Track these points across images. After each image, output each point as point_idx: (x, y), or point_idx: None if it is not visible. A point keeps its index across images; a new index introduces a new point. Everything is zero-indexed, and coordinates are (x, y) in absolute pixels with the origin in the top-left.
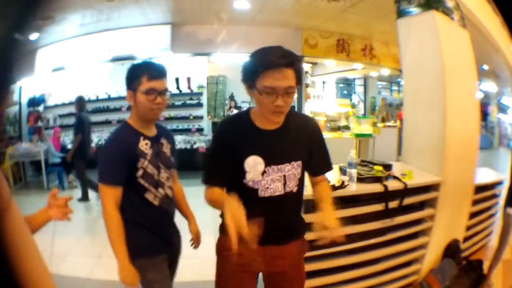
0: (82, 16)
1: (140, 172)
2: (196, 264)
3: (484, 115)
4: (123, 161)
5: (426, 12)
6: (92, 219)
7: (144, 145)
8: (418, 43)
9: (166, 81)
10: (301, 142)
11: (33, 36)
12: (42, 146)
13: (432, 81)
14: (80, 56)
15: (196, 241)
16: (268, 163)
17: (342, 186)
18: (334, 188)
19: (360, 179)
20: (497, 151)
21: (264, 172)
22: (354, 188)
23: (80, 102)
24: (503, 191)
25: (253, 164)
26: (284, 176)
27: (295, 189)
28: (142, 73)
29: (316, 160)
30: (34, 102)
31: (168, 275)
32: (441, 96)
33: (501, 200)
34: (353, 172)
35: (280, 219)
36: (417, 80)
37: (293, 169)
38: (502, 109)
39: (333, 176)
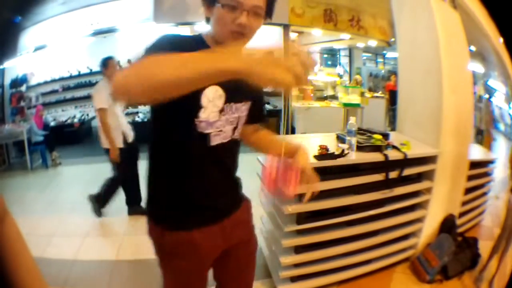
0: None
1: None
2: None
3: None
4: None
5: None
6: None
7: None
8: (411, 14)
9: None
10: None
11: (16, 19)
12: (25, 125)
13: (427, 52)
14: (62, 33)
15: None
16: (228, 99)
17: (342, 154)
18: (334, 156)
19: (360, 148)
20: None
21: (221, 110)
22: (354, 157)
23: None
24: (495, 171)
25: (213, 98)
26: (238, 118)
27: (238, 136)
28: None
29: (259, 103)
30: (16, 83)
31: None
32: (437, 67)
33: (493, 181)
34: (353, 140)
35: (230, 176)
36: (412, 50)
37: (246, 110)
38: (489, 91)
39: (330, 144)
